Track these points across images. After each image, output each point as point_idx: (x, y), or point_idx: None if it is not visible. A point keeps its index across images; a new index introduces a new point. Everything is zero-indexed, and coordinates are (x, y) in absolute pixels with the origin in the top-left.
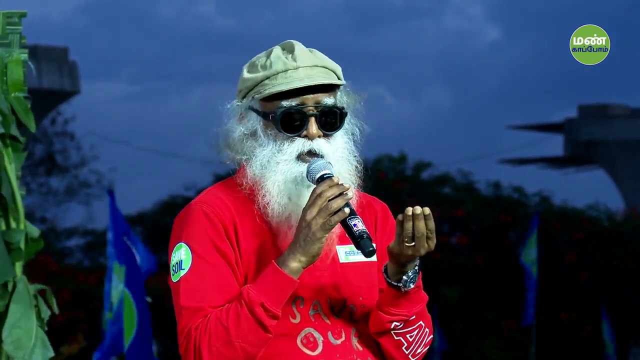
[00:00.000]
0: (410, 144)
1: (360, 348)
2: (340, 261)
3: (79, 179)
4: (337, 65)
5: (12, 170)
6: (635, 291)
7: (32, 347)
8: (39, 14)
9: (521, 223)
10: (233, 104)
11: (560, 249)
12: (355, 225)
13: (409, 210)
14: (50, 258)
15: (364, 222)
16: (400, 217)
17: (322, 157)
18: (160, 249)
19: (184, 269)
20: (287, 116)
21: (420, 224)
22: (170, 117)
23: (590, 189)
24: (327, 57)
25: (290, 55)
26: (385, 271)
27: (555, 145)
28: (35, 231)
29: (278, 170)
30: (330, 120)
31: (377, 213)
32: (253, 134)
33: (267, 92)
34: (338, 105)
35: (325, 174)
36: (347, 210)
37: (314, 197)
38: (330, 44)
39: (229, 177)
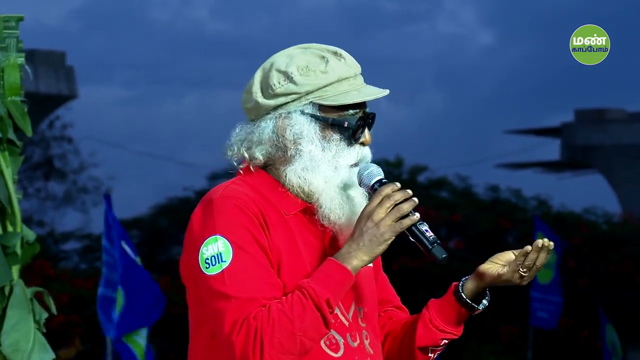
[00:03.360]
0: (405, 148)
1: (372, 351)
2: None
3: (78, 185)
4: None
5: (8, 174)
6: (634, 295)
7: (30, 350)
8: (34, 19)
9: (519, 227)
10: (268, 105)
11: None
12: (427, 230)
13: (540, 242)
14: (47, 262)
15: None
16: (528, 248)
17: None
18: (157, 252)
19: (225, 261)
20: (358, 124)
21: (544, 256)
22: (165, 120)
23: (588, 194)
24: None
25: (345, 61)
26: (461, 290)
27: (552, 149)
28: (31, 235)
29: (336, 175)
30: (372, 128)
31: None
32: (305, 137)
33: (342, 100)
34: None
35: (382, 179)
36: (417, 214)
37: (381, 199)
38: None
39: (236, 175)
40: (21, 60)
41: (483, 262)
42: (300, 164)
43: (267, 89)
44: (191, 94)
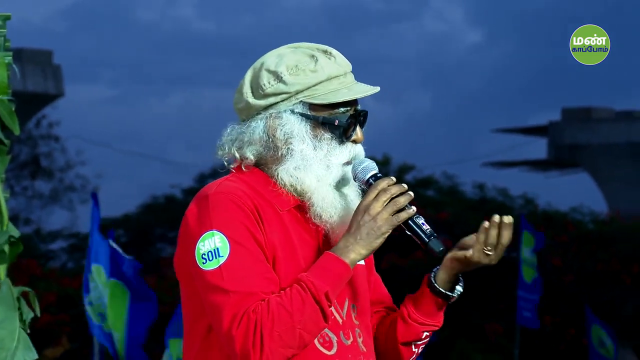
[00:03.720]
0: (392, 147)
1: (365, 349)
2: None
3: (64, 183)
4: None
5: None
6: (621, 293)
7: (15, 348)
8: (20, 17)
9: None
10: (259, 105)
11: (545, 252)
12: (423, 224)
13: (497, 217)
14: (34, 261)
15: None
16: (486, 224)
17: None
18: (145, 250)
19: (222, 256)
20: (349, 123)
21: (507, 234)
22: (151, 119)
23: (574, 192)
24: None
25: (334, 60)
26: (434, 280)
27: (538, 148)
28: (16, 233)
29: (329, 173)
30: (364, 126)
31: None
32: (296, 137)
33: (332, 98)
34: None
35: (377, 174)
36: (414, 208)
37: (377, 192)
38: None
39: (228, 173)
40: (9, 59)
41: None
42: (292, 163)
43: (257, 89)
44: (176, 93)
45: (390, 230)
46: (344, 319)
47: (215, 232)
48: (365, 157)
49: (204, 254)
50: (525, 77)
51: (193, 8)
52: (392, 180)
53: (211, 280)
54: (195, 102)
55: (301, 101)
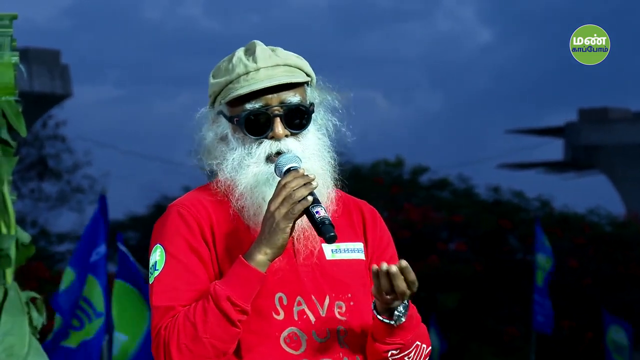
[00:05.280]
0: (403, 147)
1: (347, 346)
2: (327, 258)
3: (72, 185)
4: (304, 61)
5: (3, 175)
6: (638, 296)
7: (25, 355)
8: (25, 17)
9: (520, 228)
10: (204, 110)
11: (562, 255)
12: (317, 212)
13: (383, 266)
14: (41, 264)
15: (352, 223)
16: (374, 268)
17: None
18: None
19: (157, 270)
20: (250, 119)
21: (400, 284)
22: (158, 120)
23: (591, 194)
24: (291, 54)
25: (252, 57)
26: (375, 307)
27: (555, 149)
28: (26, 237)
29: (249, 173)
30: (297, 119)
31: (364, 214)
32: (224, 139)
33: (230, 96)
34: (305, 102)
35: (292, 167)
36: (310, 198)
37: (279, 189)
38: (318, 48)
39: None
40: (15, 59)
41: (483, 263)
42: (226, 164)
43: (208, 95)
44: (183, 93)
45: (290, 225)
46: (323, 316)
47: (158, 245)
48: (372, 158)
49: (150, 268)
50: (540, 78)
51: (200, 7)
52: (297, 173)
53: (149, 294)
54: (202, 103)
55: (221, 102)
